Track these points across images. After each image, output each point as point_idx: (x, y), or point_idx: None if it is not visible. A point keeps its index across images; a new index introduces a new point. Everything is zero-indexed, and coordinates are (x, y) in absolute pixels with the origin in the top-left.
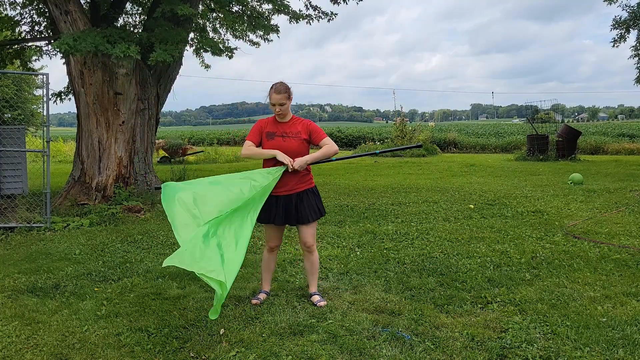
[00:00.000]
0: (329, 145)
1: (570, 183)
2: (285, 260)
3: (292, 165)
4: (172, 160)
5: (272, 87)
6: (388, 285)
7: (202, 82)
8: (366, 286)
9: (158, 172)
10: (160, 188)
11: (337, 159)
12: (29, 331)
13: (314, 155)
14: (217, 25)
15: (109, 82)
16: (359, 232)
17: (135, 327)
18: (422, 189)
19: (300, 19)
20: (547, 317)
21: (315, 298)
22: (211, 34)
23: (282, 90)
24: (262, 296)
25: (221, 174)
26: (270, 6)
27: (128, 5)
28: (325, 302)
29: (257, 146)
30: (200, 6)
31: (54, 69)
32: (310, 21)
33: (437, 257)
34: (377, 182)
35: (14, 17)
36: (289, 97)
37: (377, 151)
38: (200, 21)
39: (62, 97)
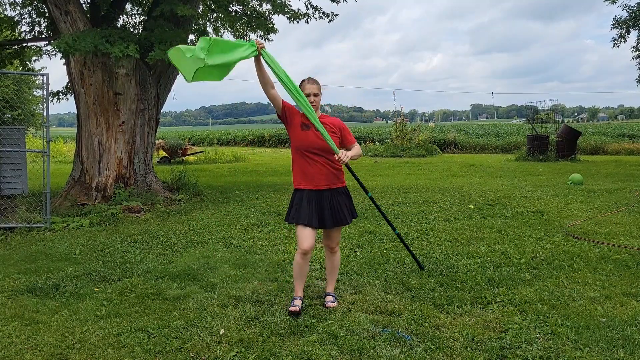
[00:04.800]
0: (358, 147)
1: (570, 183)
2: (285, 260)
3: (341, 158)
4: (172, 160)
5: (304, 81)
6: (388, 285)
7: (202, 82)
8: (366, 286)
9: (158, 173)
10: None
11: (371, 197)
12: (29, 331)
13: (352, 154)
14: (219, 25)
15: (109, 82)
16: (359, 232)
17: (135, 328)
18: (422, 189)
19: (299, 19)
20: (547, 318)
21: (329, 298)
22: (212, 34)
23: (315, 81)
24: (298, 302)
25: (221, 174)
26: (270, 6)
27: (128, 6)
28: (335, 304)
29: (279, 108)
30: (200, 6)
31: (53, 69)
32: (308, 20)
33: (437, 258)
34: (377, 182)
35: (14, 17)
36: (321, 90)
37: (396, 231)
38: (201, 21)
39: (60, 97)
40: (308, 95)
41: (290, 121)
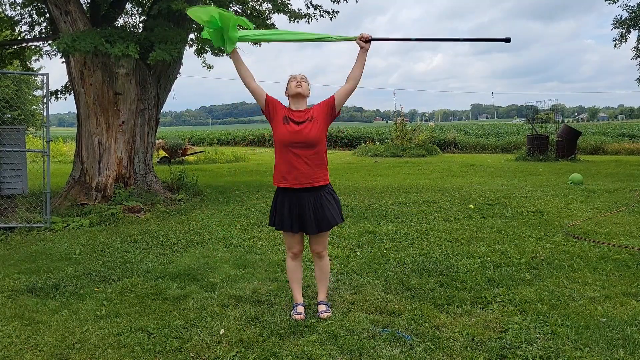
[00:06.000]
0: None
1: (570, 183)
2: (285, 260)
3: (365, 35)
4: (172, 160)
5: (291, 75)
6: (388, 285)
7: (202, 82)
8: (366, 286)
9: (158, 173)
10: None
11: (416, 39)
12: (29, 331)
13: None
14: None
15: (109, 82)
16: (359, 232)
17: (135, 327)
18: (422, 189)
19: (300, 18)
20: (547, 317)
21: (321, 308)
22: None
23: (301, 73)
24: (300, 309)
25: (221, 174)
26: (270, 5)
27: (128, 6)
28: (329, 314)
29: (264, 103)
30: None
31: (53, 69)
32: (310, 20)
33: (437, 257)
34: (377, 182)
35: (14, 17)
36: (307, 82)
37: (461, 38)
38: None
39: (58, 96)
40: (295, 79)
41: (273, 116)
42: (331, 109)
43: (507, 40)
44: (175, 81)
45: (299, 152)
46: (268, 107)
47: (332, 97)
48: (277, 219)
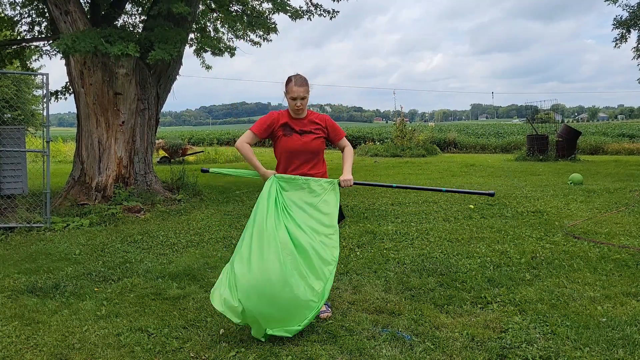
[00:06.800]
0: (351, 150)
1: (570, 183)
2: None
3: (345, 185)
4: (172, 160)
5: (291, 80)
6: (388, 285)
7: (202, 82)
8: (366, 286)
9: (158, 172)
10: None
11: (397, 187)
12: (29, 331)
13: (349, 168)
14: (219, 25)
15: (109, 82)
16: (359, 232)
17: (135, 327)
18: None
19: (301, 17)
20: (547, 317)
21: (322, 308)
22: (212, 34)
23: (303, 82)
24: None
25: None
26: (270, 5)
27: (128, 6)
28: (329, 314)
29: (262, 139)
30: (200, 6)
31: (53, 69)
32: (311, 17)
33: (437, 257)
34: (377, 182)
35: (14, 17)
36: (309, 91)
37: (443, 189)
38: (201, 21)
39: (58, 97)
40: (294, 99)
41: (275, 134)
42: (330, 137)
43: (491, 194)
44: (175, 81)
45: (300, 162)
46: (265, 135)
47: (338, 138)
48: None
